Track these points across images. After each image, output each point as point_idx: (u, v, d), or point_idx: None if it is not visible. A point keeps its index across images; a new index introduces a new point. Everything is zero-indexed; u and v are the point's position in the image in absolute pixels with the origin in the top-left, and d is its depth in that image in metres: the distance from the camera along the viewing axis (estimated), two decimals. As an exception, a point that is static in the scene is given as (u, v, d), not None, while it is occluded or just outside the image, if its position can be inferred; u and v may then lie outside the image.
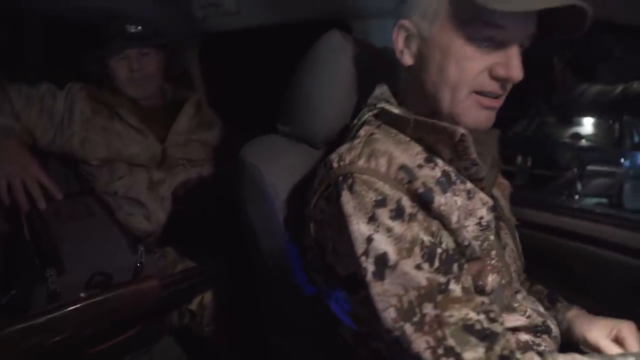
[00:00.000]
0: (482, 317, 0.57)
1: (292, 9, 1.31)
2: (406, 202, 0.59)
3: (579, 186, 1.35)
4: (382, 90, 0.74)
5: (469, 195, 0.66)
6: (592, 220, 1.13)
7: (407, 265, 0.56)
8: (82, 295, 0.80)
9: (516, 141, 1.53)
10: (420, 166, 0.63)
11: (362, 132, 0.68)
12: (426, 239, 0.58)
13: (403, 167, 0.61)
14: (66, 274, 0.97)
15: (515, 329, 0.70)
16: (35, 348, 0.73)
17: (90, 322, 0.80)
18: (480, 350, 0.55)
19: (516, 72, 0.61)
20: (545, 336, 0.73)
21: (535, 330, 0.72)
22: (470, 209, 0.65)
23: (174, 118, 1.34)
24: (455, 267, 0.59)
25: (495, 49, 0.61)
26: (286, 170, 0.80)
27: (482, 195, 0.67)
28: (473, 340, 0.55)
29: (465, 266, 0.61)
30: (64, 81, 1.27)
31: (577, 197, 1.34)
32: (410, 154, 0.64)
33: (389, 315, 0.57)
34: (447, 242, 0.60)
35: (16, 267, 1.02)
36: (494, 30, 0.60)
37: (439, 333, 0.55)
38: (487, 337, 0.56)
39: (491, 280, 0.67)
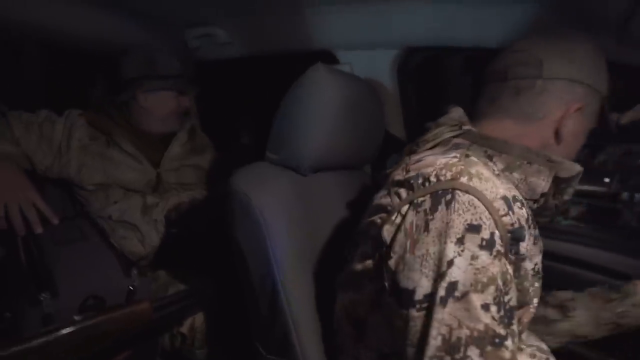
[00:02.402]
0: None
1: (281, 40, 1.37)
2: (498, 237, 0.56)
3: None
4: (459, 113, 0.77)
5: (535, 240, 0.65)
6: (571, 241, 1.17)
7: (476, 301, 0.53)
8: (76, 318, 0.82)
9: (609, 174, 1.27)
10: (515, 200, 0.60)
11: (456, 152, 0.66)
12: (501, 283, 0.55)
13: (503, 198, 0.58)
14: (60, 298, 0.99)
15: None
16: (29, 370, 0.74)
17: (83, 345, 0.82)
18: None
19: None
20: None
21: None
22: (532, 254, 0.65)
23: (167, 144, 1.38)
24: (515, 323, 0.56)
25: None
26: (273, 195, 0.84)
27: (541, 241, 0.67)
28: None
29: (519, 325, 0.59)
30: (62, 105, 1.30)
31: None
32: (505, 186, 0.61)
33: (436, 342, 0.54)
34: (513, 295, 0.57)
35: (9, 290, 1.04)
36: None
37: None
38: None
39: (525, 325, 0.68)
